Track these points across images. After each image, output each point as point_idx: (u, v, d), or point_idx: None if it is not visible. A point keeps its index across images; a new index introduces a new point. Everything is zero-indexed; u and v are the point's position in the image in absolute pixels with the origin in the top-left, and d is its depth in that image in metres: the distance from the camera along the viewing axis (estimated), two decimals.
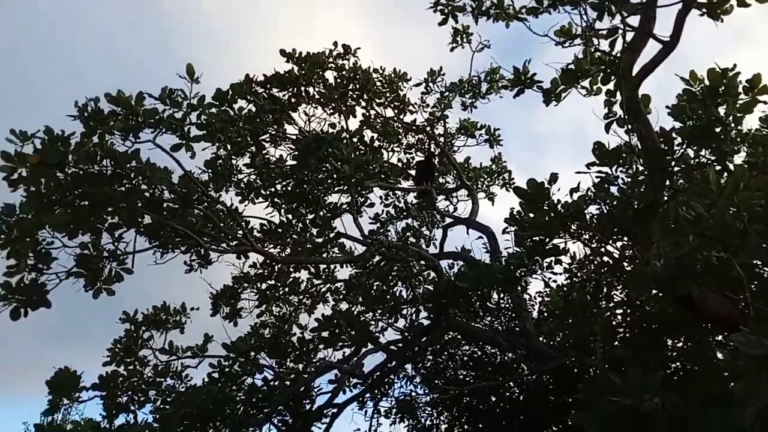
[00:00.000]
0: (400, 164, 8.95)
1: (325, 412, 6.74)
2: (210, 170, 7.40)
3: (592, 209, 5.28)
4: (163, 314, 7.65)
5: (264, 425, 6.24)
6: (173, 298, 8.03)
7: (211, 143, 6.29)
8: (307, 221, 8.37)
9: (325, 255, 8.68)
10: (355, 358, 6.41)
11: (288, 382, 6.38)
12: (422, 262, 6.93)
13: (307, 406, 6.54)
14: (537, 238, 4.88)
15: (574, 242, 5.35)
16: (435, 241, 8.93)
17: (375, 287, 6.47)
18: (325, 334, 5.96)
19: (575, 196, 4.96)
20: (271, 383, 6.35)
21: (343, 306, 9.25)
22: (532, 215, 4.69)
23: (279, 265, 8.33)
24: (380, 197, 8.80)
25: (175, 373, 7.76)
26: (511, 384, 7.29)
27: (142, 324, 7.51)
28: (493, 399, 7.25)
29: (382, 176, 7.93)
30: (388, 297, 6.12)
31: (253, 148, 7.59)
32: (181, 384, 7.71)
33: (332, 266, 8.74)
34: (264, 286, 8.75)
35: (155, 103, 5.56)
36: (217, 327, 8.51)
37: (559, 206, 4.72)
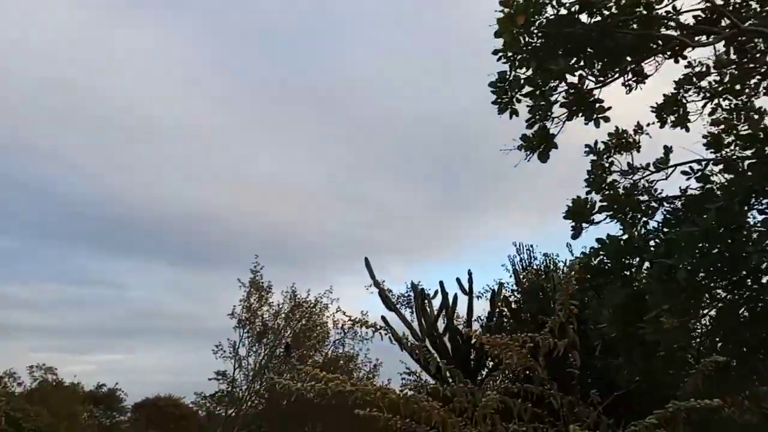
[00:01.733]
0: None
1: None
2: None
3: None
4: (620, 138, 7.94)
5: None
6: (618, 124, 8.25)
7: None
8: None
9: None
10: None
11: None
12: None
13: None
14: None
15: None
16: None
17: None
18: None
19: None
20: None
21: None
22: None
23: (729, 54, 7.57)
24: None
25: (643, 189, 8.10)
26: None
27: (604, 152, 7.97)
28: None
29: None
30: None
31: None
32: (651, 198, 8.04)
33: None
34: (707, 82, 8.15)
35: None
36: (667, 138, 8.44)
37: None
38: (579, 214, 6.59)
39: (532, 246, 12.45)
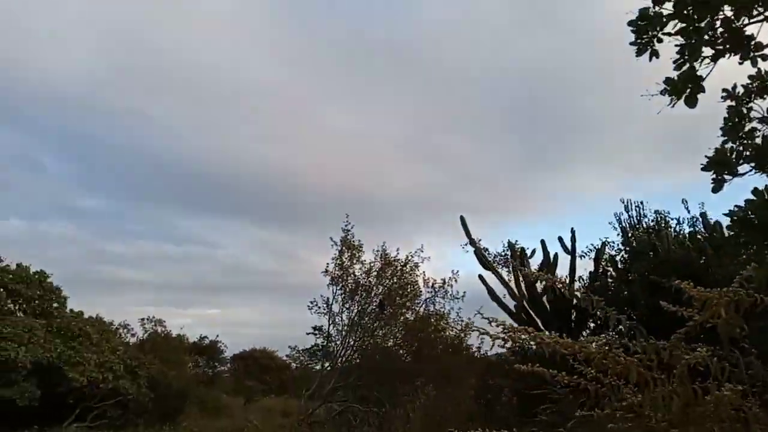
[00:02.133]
0: None
1: None
2: None
3: None
4: (764, 81, 7.20)
5: None
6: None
7: None
8: None
9: None
10: None
11: None
12: None
13: None
14: None
15: None
16: None
17: None
18: None
19: None
20: None
21: None
22: None
23: None
24: None
25: None
26: None
27: (743, 97, 7.26)
28: None
29: None
30: None
31: None
32: None
33: None
34: None
35: None
36: None
37: None
38: (722, 164, 6.04)
39: (642, 203, 11.76)
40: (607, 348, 2.78)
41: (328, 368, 18.57)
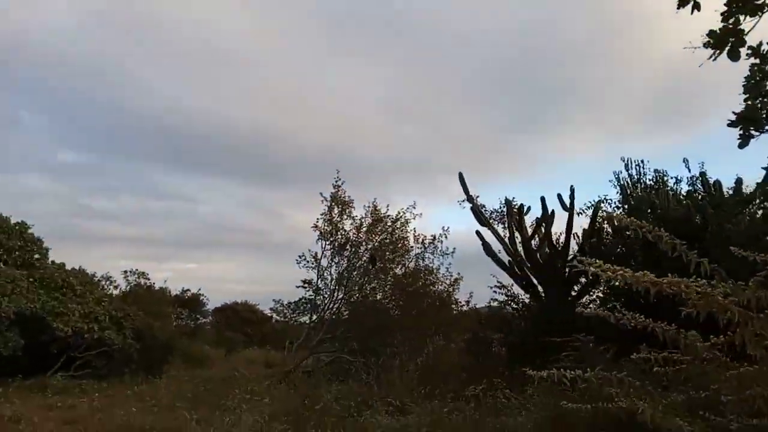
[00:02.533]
0: None
1: None
2: None
3: None
4: None
5: None
6: None
7: None
8: None
9: None
10: None
11: None
12: None
13: None
14: None
15: None
16: None
17: None
18: None
19: None
20: None
21: None
22: None
23: None
24: None
25: None
26: None
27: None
28: None
29: None
30: None
31: None
32: None
33: None
34: None
35: None
36: None
37: None
38: (751, 120, 6.08)
39: (642, 161, 11.88)
40: (705, 289, 2.79)
41: (315, 321, 18.67)
